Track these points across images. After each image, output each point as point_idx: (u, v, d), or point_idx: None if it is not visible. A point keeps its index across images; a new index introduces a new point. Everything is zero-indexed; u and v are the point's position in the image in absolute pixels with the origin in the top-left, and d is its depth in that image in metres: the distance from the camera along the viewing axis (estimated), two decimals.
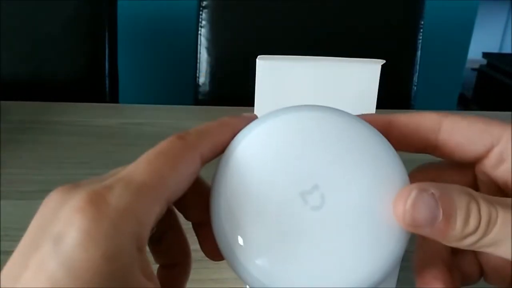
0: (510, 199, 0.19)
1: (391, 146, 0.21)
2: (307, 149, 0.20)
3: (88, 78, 0.94)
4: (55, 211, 0.17)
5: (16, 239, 0.17)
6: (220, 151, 0.22)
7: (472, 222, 0.18)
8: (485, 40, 2.10)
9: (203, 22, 0.93)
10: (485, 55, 1.96)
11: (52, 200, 0.18)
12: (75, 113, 0.72)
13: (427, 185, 0.19)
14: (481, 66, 1.98)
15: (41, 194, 0.19)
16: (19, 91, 0.90)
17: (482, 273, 0.24)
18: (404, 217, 0.19)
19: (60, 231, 0.16)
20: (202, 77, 0.95)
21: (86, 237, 0.16)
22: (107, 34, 0.92)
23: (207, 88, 0.95)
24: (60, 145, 0.63)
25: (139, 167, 0.18)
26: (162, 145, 0.19)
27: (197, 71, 0.95)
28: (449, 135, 0.22)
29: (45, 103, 0.75)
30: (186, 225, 0.24)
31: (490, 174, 0.22)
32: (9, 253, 0.17)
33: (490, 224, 0.18)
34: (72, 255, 0.16)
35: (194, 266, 0.25)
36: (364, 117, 0.22)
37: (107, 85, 0.93)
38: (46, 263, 0.16)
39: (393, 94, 0.94)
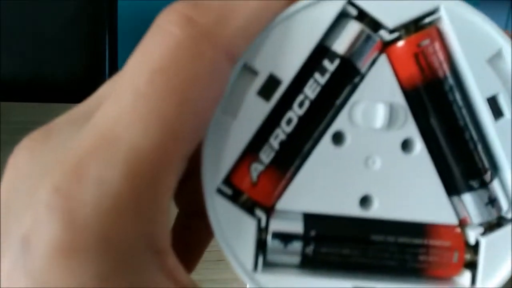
0: None
1: None
2: None
3: (88, 78, 0.94)
4: (26, 188, 0.12)
5: None
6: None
7: None
8: None
9: None
10: None
11: (22, 163, 0.13)
12: None
13: None
14: None
15: None
16: (19, 91, 0.90)
17: None
18: None
19: (28, 229, 0.11)
20: None
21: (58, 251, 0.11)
22: (107, 34, 0.92)
23: None
24: None
25: (132, 123, 0.12)
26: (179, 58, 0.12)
27: None
28: None
29: (45, 104, 0.75)
30: None
31: None
32: None
33: None
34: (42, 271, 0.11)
35: None
36: None
37: None
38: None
39: None
